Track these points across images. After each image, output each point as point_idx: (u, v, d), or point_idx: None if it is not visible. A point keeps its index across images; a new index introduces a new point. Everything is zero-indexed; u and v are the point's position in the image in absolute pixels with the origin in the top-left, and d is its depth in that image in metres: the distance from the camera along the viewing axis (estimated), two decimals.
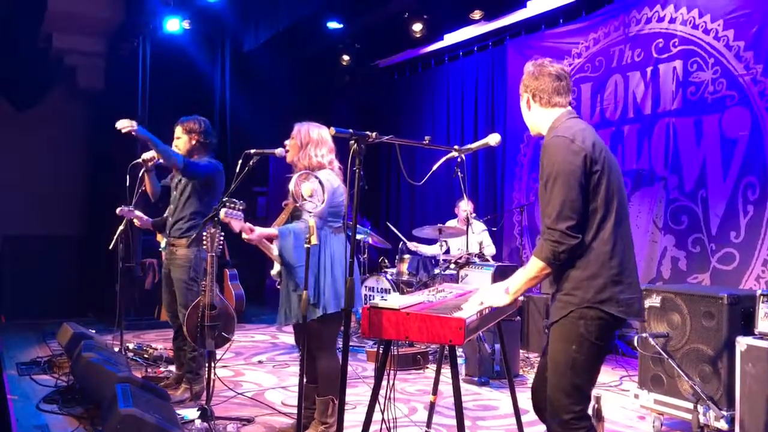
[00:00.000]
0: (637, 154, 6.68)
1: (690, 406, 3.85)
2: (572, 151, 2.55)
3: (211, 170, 4.67)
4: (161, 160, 4.66)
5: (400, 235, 7.55)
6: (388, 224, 7.82)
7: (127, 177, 4.98)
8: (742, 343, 3.63)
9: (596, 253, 2.56)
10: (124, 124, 4.38)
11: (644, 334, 4.08)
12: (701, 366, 3.87)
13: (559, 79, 2.76)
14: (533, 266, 2.61)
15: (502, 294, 2.73)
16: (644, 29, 6.63)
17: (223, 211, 3.65)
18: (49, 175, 8.39)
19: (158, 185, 4.91)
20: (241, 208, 3.68)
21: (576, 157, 2.54)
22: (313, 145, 3.81)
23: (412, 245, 7.30)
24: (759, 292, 3.68)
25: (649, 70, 6.57)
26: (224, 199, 3.71)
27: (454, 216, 7.52)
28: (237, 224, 3.68)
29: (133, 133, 4.38)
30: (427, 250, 7.42)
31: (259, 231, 3.68)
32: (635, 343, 4.21)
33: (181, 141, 4.75)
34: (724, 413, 3.69)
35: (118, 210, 4.94)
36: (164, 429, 3.16)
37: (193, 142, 4.75)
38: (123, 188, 4.99)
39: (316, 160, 3.78)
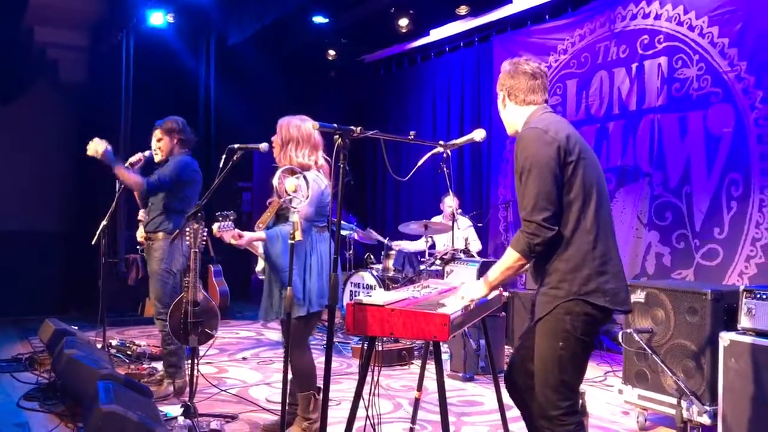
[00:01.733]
0: (622, 151, 6.70)
1: (674, 401, 3.86)
2: (545, 142, 2.54)
3: (175, 172, 4.69)
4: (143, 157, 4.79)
5: (380, 238, 7.49)
6: (370, 230, 7.75)
7: (117, 182, 4.94)
8: (725, 338, 3.65)
9: (578, 244, 2.55)
10: (91, 150, 4.49)
11: (629, 330, 4.10)
12: (685, 361, 3.89)
13: (534, 77, 2.74)
14: (509, 257, 2.62)
15: (480, 285, 2.73)
16: (629, 26, 6.65)
17: (216, 226, 3.63)
18: (32, 169, 8.29)
19: None
20: (232, 218, 3.65)
21: (549, 148, 2.53)
22: (293, 143, 3.74)
23: (395, 244, 7.28)
24: (742, 287, 3.70)
25: (634, 66, 6.59)
26: (216, 213, 3.68)
27: (440, 212, 7.52)
28: (228, 235, 3.65)
29: (98, 157, 4.49)
30: (409, 246, 7.40)
31: (248, 236, 3.66)
32: (620, 339, 4.22)
33: (163, 142, 4.82)
34: (707, 408, 3.71)
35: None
36: (147, 426, 3.13)
37: (175, 141, 4.81)
38: (106, 184, 4.95)
39: (297, 161, 3.69)
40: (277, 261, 3.62)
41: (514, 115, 2.81)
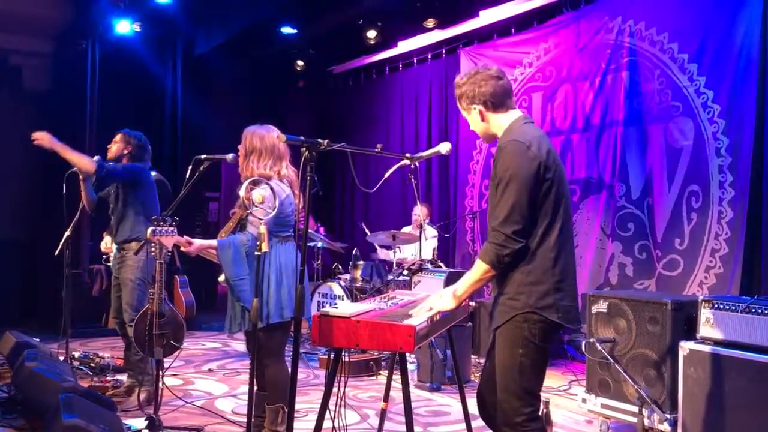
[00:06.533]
0: (586, 163, 6.82)
1: (635, 409, 3.92)
2: (528, 157, 2.58)
3: (129, 168, 4.76)
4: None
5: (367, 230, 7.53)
6: (362, 225, 7.79)
7: (64, 186, 4.89)
8: (685, 347, 3.74)
9: (541, 259, 2.61)
10: (41, 138, 4.49)
11: (592, 339, 4.16)
12: (646, 370, 3.97)
13: (500, 78, 2.74)
14: (478, 269, 2.64)
15: (449, 298, 2.75)
16: (594, 40, 6.77)
17: (149, 231, 3.61)
18: None
19: (94, 195, 4.95)
20: (172, 224, 3.64)
21: (531, 163, 2.57)
22: (256, 154, 3.68)
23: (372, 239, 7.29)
24: (701, 297, 3.79)
25: (597, 80, 6.71)
26: (153, 218, 3.67)
27: (410, 222, 7.56)
28: (168, 240, 3.63)
29: (45, 145, 4.49)
30: (381, 252, 7.45)
31: (198, 243, 3.62)
32: (583, 348, 4.28)
33: (115, 146, 4.90)
34: (668, 416, 3.79)
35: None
36: None
37: (125, 151, 4.87)
38: (69, 192, 4.89)
39: (258, 172, 3.62)
40: (227, 271, 3.56)
41: (495, 122, 2.76)
